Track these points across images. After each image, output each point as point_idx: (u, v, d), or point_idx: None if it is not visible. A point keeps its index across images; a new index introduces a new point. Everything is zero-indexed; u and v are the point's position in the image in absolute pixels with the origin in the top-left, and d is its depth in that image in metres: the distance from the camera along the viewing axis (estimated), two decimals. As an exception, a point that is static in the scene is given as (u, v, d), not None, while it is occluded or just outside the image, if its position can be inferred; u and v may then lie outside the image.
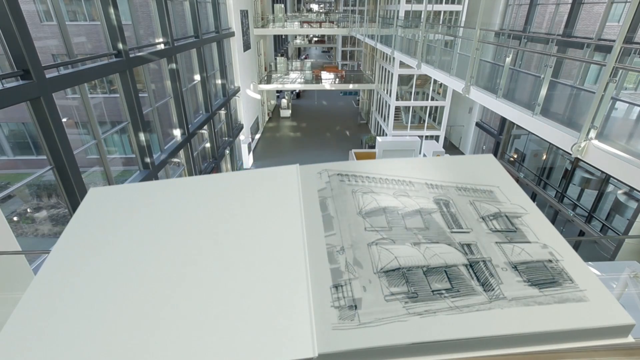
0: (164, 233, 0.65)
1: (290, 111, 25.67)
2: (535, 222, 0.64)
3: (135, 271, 0.58)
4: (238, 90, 16.42)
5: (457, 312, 0.49)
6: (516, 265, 0.56)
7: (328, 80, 21.74)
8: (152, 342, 0.47)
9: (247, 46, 17.41)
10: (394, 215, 0.67)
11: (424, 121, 18.52)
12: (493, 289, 0.53)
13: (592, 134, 4.23)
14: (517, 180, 11.27)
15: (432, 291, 0.53)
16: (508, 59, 6.44)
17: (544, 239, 0.61)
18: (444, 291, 0.52)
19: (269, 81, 21.27)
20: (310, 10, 39.58)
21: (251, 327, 0.47)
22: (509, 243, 0.60)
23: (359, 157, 12.63)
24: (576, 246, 6.56)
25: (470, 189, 0.73)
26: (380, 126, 20.08)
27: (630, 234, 6.69)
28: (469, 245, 0.60)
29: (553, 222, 10.07)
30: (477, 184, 0.74)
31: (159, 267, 0.58)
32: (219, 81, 14.36)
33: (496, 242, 0.61)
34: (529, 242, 0.60)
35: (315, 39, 46.09)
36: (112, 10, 6.66)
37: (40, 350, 0.47)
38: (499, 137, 13.77)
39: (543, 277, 0.54)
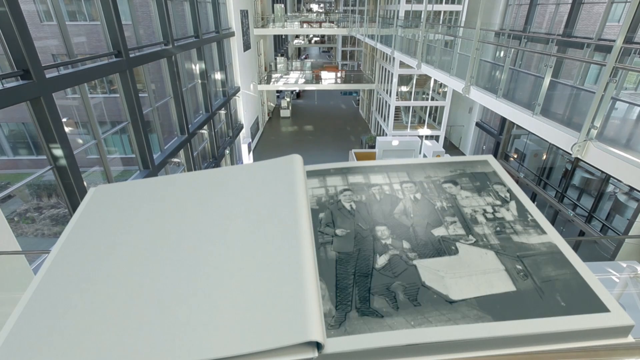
0: (169, 229, 0.64)
1: (290, 111, 25.67)
2: (534, 222, 0.65)
3: (140, 267, 0.57)
4: (238, 90, 16.42)
5: (456, 312, 0.49)
6: (515, 264, 0.56)
7: (328, 80, 21.74)
8: (155, 340, 0.47)
9: (247, 46, 17.41)
10: (392, 212, 0.67)
11: (424, 121, 18.53)
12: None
13: (592, 133, 4.23)
14: (517, 180, 11.27)
15: (431, 290, 0.53)
16: (508, 59, 6.45)
17: (543, 238, 0.61)
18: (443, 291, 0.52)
19: (269, 81, 21.27)
20: (310, 10, 39.58)
21: (250, 327, 0.47)
22: (506, 244, 0.60)
23: (359, 157, 12.64)
24: (576, 246, 6.56)
25: (469, 190, 0.73)
26: (380, 126, 20.09)
27: (630, 234, 6.69)
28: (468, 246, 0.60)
29: (553, 222, 10.07)
30: (477, 185, 0.74)
31: (163, 263, 0.58)
32: (219, 81, 14.36)
33: (494, 243, 0.61)
34: (528, 242, 0.60)
35: (316, 39, 46.10)
36: (112, 10, 6.66)
37: (44, 352, 0.47)
38: (499, 137, 13.77)
39: (542, 276, 0.54)
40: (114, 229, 0.66)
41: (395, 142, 12.84)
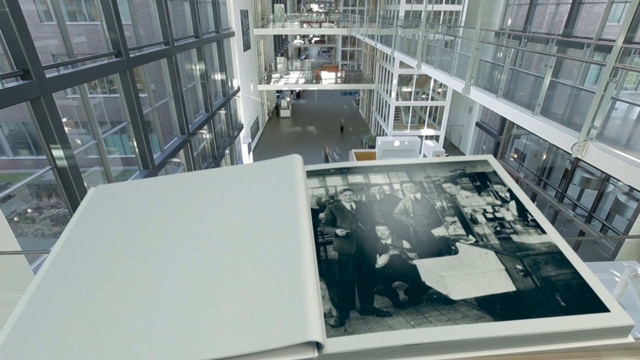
0: (169, 229, 0.64)
1: (290, 111, 25.67)
2: (534, 222, 0.64)
3: (140, 267, 0.57)
4: (238, 90, 16.42)
5: (456, 312, 0.49)
6: (515, 264, 0.56)
7: (328, 80, 21.76)
8: (155, 340, 0.46)
9: (247, 46, 17.41)
10: (392, 212, 0.67)
11: (424, 121, 18.53)
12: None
13: (592, 133, 4.23)
14: (517, 180, 11.27)
15: (432, 290, 0.53)
16: (508, 59, 6.45)
17: (543, 238, 0.61)
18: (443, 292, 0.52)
19: (269, 81, 21.27)
20: (310, 10, 39.57)
21: (251, 327, 0.47)
22: (506, 244, 0.60)
23: (359, 157, 12.65)
24: (576, 246, 6.56)
25: (469, 190, 0.73)
26: (380, 126, 20.08)
27: (630, 234, 6.69)
28: (468, 245, 0.60)
29: (553, 222, 10.07)
30: (477, 185, 0.74)
31: (163, 263, 0.58)
32: (219, 81, 14.36)
33: (494, 243, 0.61)
34: (528, 242, 0.60)
35: (316, 39, 46.09)
36: (112, 10, 6.65)
37: (44, 352, 0.47)
38: (499, 137, 13.77)
39: (542, 276, 0.54)
40: (114, 229, 0.66)
41: (395, 142, 12.85)
